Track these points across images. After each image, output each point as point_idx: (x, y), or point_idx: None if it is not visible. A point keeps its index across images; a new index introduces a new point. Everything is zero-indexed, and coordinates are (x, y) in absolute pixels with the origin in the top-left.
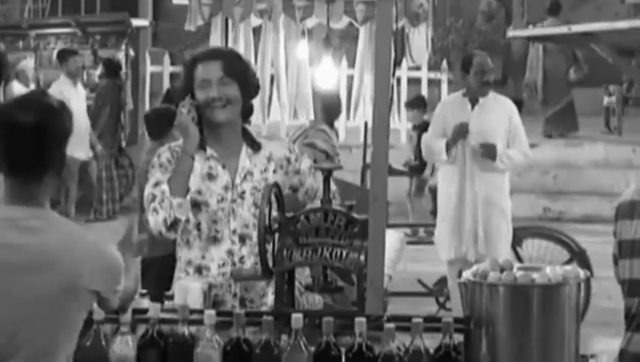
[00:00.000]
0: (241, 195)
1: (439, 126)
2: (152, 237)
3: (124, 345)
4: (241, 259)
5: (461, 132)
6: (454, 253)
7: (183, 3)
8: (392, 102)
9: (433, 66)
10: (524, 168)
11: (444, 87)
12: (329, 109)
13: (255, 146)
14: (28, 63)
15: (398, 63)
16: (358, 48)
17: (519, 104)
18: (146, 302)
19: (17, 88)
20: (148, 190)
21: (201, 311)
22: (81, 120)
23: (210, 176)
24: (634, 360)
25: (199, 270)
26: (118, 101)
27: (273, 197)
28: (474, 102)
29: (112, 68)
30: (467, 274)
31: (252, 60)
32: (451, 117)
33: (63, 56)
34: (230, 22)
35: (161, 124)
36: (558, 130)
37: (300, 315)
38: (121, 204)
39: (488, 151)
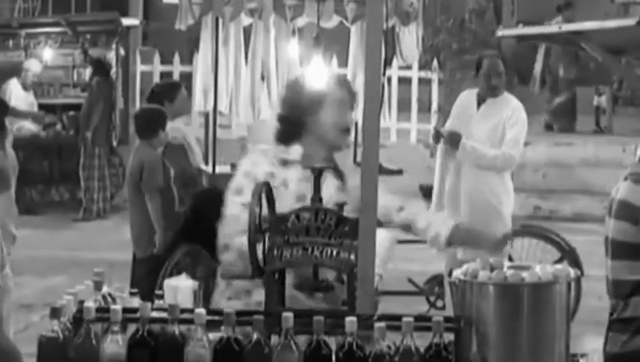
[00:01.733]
0: None
1: (451, 121)
2: (137, 238)
3: (115, 344)
4: None
5: (452, 141)
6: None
7: (173, 2)
8: (382, 101)
9: (424, 65)
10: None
11: (435, 86)
12: None
13: None
14: (32, 65)
15: (388, 62)
16: (350, 48)
17: None
18: (136, 301)
19: (14, 85)
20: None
21: (191, 310)
22: None
23: None
24: (611, 360)
25: None
26: (110, 100)
27: (264, 196)
28: (480, 102)
29: (101, 67)
30: (457, 273)
31: (242, 59)
32: (458, 113)
33: None
34: (220, 21)
35: (149, 124)
36: (560, 123)
37: (290, 314)
38: (112, 203)
39: (452, 139)
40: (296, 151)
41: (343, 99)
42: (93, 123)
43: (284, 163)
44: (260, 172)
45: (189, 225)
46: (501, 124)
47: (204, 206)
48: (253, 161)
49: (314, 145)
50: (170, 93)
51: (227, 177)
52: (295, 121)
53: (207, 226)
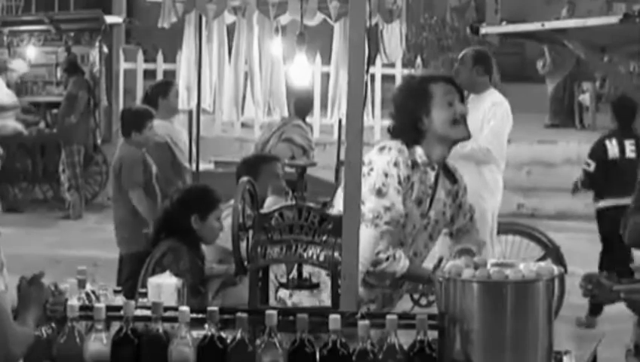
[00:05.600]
0: None
1: None
2: (126, 234)
3: (99, 342)
4: None
5: None
6: None
7: (156, 0)
8: (365, 99)
9: (407, 63)
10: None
11: None
12: (301, 105)
13: None
14: (19, 66)
15: (372, 60)
16: (334, 45)
17: None
18: (119, 299)
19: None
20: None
21: (175, 308)
22: None
23: None
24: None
25: None
26: (88, 97)
27: (247, 194)
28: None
29: (74, 65)
30: (441, 271)
31: (226, 57)
32: None
33: None
34: (204, 19)
35: (132, 123)
36: (557, 119)
37: (273, 312)
38: (94, 201)
39: None
40: (419, 152)
41: (449, 91)
42: (70, 122)
43: (415, 165)
44: (400, 174)
45: (169, 218)
46: (480, 119)
47: (190, 202)
48: (390, 159)
49: (432, 145)
50: (163, 89)
51: (210, 175)
52: (410, 122)
53: (187, 222)
